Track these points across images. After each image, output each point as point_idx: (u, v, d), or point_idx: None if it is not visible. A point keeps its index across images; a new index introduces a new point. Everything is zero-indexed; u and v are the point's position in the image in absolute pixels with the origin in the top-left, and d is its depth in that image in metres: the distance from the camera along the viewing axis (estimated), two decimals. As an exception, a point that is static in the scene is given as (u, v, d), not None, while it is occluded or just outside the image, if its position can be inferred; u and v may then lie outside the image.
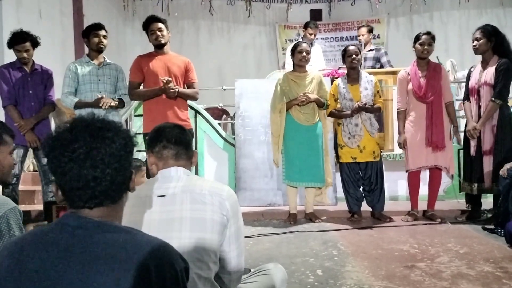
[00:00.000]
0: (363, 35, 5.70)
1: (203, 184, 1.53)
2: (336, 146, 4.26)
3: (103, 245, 0.91)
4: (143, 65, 3.72)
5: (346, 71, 4.33)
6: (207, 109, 5.29)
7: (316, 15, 8.06)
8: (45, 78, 3.82)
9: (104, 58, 3.88)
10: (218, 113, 6.29)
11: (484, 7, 7.97)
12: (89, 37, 3.78)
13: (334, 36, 8.33)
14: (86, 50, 4.06)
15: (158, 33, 3.68)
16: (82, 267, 0.89)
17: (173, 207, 1.47)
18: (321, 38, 8.03)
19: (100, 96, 3.63)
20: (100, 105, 3.59)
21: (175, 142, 1.58)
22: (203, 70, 6.91)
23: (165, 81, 3.53)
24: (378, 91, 4.15)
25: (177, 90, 3.61)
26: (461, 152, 4.44)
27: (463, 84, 5.19)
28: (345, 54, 4.14)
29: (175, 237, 1.41)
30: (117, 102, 3.73)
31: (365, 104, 3.98)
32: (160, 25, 3.70)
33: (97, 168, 0.94)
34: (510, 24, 7.62)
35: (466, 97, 4.03)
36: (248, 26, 8.45)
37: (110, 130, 0.98)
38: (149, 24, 3.71)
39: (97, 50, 3.80)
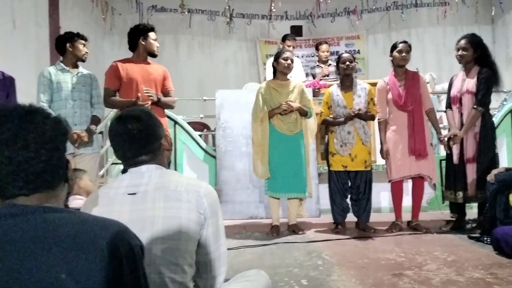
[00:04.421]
0: (327, 51, 5.87)
1: (178, 180, 1.39)
2: (327, 153, 4.18)
3: (52, 226, 0.82)
4: (120, 71, 3.57)
5: (328, 83, 4.31)
6: (188, 123, 5.17)
7: (296, 31, 8.10)
8: (7, 85, 3.63)
9: (79, 66, 3.75)
10: (200, 127, 6.18)
11: (460, 24, 8.13)
12: (74, 44, 3.66)
13: (314, 52, 8.36)
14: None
15: (156, 42, 3.65)
16: (34, 253, 0.78)
17: (145, 206, 1.33)
18: (302, 54, 8.07)
19: (73, 132, 3.52)
20: (75, 144, 3.52)
21: (133, 140, 1.40)
22: (184, 85, 6.86)
23: (146, 92, 3.43)
24: (372, 99, 4.11)
25: (158, 97, 3.51)
26: (443, 162, 4.41)
27: (443, 96, 5.25)
28: (339, 61, 4.11)
29: (146, 238, 1.28)
30: (86, 139, 3.59)
31: (359, 110, 3.94)
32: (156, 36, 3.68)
33: (29, 148, 0.86)
34: (486, 41, 7.79)
35: (448, 106, 4.03)
36: (229, 41, 8.43)
37: (38, 113, 0.92)
38: (149, 31, 3.62)
39: (81, 59, 3.71)
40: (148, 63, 3.69)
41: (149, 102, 3.42)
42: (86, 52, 3.73)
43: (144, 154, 1.42)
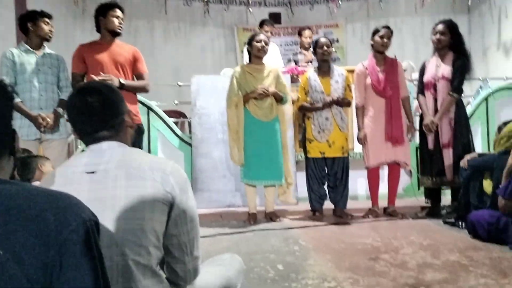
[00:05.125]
0: (310, 38, 5.77)
1: (142, 158, 1.29)
2: (304, 140, 4.12)
3: None
4: (85, 55, 3.41)
5: (305, 69, 4.25)
6: (164, 112, 5.04)
7: (275, 18, 8.01)
8: None
9: (44, 47, 3.57)
10: (176, 115, 6.04)
11: (437, 13, 8.12)
12: (36, 23, 3.47)
13: (294, 40, 8.30)
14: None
15: (120, 20, 3.42)
16: None
17: (105, 185, 1.23)
18: (281, 42, 7.98)
19: (37, 115, 3.36)
20: (40, 128, 3.37)
21: (93, 113, 1.30)
22: (159, 71, 6.68)
23: (100, 77, 3.20)
24: (348, 85, 4.06)
25: (120, 81, 3.28)
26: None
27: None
28: (316, 45, 4.05)
29: (107, 218, 1.18)
30: (52, 124, 3.44)
31: (338, 97, 3.89)
32: (121, 13, 3.45)
33: None
34: (461, 31, 7.87)
35: (421, 91, 4.01)
36: (206, 28, 8.26)
37: None
38: (111, 8, 3.41)
39: (45, 38, 3.51)
40: (116, 44, 3.48)
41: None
42: (51, 31, 3.53)
43: (105, 129, 1.32)
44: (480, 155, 3.61)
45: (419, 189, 4.52)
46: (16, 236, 0.68)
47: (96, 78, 3.19)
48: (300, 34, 6.01)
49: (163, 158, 1.35)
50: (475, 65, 7.66)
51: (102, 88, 1.34)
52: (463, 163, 3.50)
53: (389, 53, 4.16)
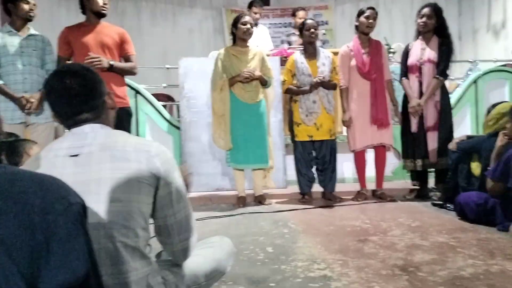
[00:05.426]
0: (304, 18, 5.65)
1: (126, 140, 1.25)
2: (291, 124, 4.09)
3: None
4: (70, 38, 3.32)
5: (294, 51, 4.20)
6: (152, 95, 4.96)
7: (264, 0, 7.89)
8: None
9: (29, 28, 3.47)
10: (164, 99, 5.96)
11: (427, -5, 8.13)
12: (16, 3, 3.35)
13: (282, 22, 8.21)
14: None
15: (104, 0, 3.32)
16: None
17: (89, 168, 1.19)
18: (269, 24, 7.87)
19: (21, 97, 3.27)
20: (24, 109, 3.28)
21: (73, 96, 1.25)
22: (146, 54, 6.56)
23: (88, 60, 3.15)
24: (335, 68, 4.02)
25: (109, 62, 3.23)
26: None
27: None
28: (303, 27, 3.99)
29: (92, 201, 1.15)
30: (37, 104, 3.35)
31: (323, 78, 3.85)
32: None
33: None
34: (451, 13, 7.84)
35: (404, 74, 3.99)
36: (194, 9, 8.13)
37: None
38: None
39: (26, 18, 3.39)
40: (102, 26, 3.39)
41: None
42: (31, 10, 3.39)
43: (86, 111, 1.27)
44: (469, 137, 3.61)
45: (407, 172, 4.53)
46: (1, 220, 0.65)
47: (86, 59, 3.12)
48: (294, 15, 5.90)
49: (148, 139, 1.31)
50: (465, 47, 7.71)
51: (79, 70, 1.29)
52: (452, 145, 3.50)
53: (379, 34, 4.13)
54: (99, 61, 3.17)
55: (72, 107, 1.26)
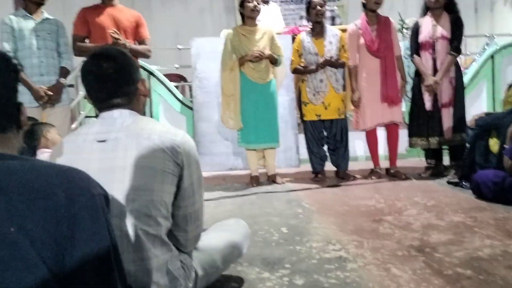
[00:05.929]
0: None
1: (153, 128, 1.27)
2: (300, 104, 4.06)
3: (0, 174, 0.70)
4: (88, 18, 3.37)
5: (307, 28, 4.13)
6: (164, 76, 4.95)
7: (275, -24, 7.73)
8: None
9: (43, 12, 3.48)
10: (176, 79, 5.95)
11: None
12: None
13: (294, -1, 8.05)
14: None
15: None
16: None
17: (116, 154, 1.22)
18: (280, 2, 7.73)
19: (39, 88, 3.30)
20: (40, 100, 3.31)
21: (107, 79, 1.27)
22: (158, 34, 6.50)
23: (113, 34, 3.20)
24: (343, 46, 3.96)
25: (127, 44, 3.28)
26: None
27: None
28: (309, 6, 3.92)
29: (117, 188, 1.18)
30: (55, 97, 3.39)
31: (331, 57, 3.80)
32: None
33: None
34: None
35: (415, 52, 3.90)
36: (205, -12, 8.02)
37: None
38: None
39: (38, 2, 3.41)
40: (118, 8, 3.44)
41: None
42: None
43: (119, 96, 1.29)
44: (487, 114, 3.56)
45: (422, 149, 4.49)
46: (26, 213, 0.67)
47: (110, 32, 3.22)
48: None
49: (173, 128, 1.33)
50: (481, 20, 7.49)
51: (117, 55, 1.31)
52: (471, 122, 3.46)
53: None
54: (121, 40, 3.24)
55: (106, 91, 1.29)
